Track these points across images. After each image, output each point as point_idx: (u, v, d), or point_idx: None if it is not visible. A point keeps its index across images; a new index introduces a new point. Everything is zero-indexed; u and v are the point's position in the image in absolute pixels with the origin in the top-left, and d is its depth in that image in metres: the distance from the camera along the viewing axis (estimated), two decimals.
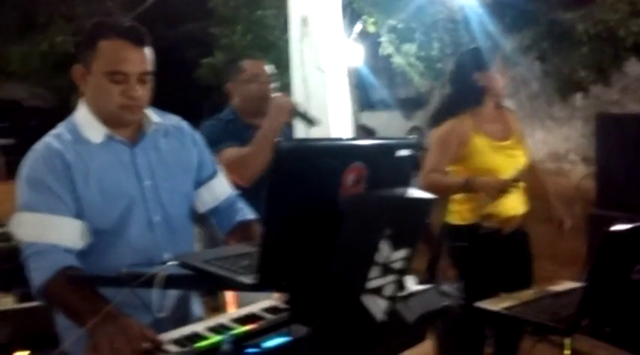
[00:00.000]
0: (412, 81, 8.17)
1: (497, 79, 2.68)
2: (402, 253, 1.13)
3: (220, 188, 1.86)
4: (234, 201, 1.89)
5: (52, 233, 1.51)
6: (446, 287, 2.63)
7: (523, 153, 2.75)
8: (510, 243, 2.69)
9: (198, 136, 1.85)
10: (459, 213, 2.73)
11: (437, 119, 2.77)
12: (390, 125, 10.25)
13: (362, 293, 1.11)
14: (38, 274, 1.48)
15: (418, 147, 1.27)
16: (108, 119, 1.61)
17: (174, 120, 1.80)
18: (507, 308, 1.76)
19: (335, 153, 1.12)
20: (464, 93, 2.74)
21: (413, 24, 7.51)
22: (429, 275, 3.36)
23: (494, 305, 1.81)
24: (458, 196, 2.73)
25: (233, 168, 2.38)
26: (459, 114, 2.69)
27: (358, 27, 7.46)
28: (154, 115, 1.71)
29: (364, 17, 7.43)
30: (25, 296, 2.65)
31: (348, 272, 1.09)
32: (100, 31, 1.57)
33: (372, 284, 1.11)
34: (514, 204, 2.66)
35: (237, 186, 2.05)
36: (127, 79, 1.55)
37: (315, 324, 1.12)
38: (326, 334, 1.12)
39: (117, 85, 1.55)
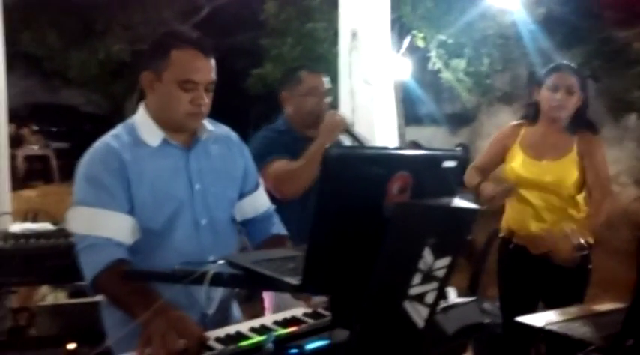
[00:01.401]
0: (459, 96, 8.12)
1: (547, 96, 2.64)
2: (444, 261, 1.14)
3: (260, 201, 1.93)
4: (272, 214, 1.96)
5: (105, 227, 1.57)
6: (486, 305, 2.62)
7: (560, 177, 2.60)
8: (535, 263, 2.64)
9: (245, 148, 1.91)
10: (503, 224, 2.80)
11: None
12: (435, 140, 10.19)
13: (404, 299, 1.13)
14: (91, 267, 1.55)
15: (464, 159, 1.28)
16: (171, 125, 1.68)
17: (224, 129, 1.88)
18: (550, 324, 1.74)
19: (382, 162, 1.15)
20: (525, 106, 2.83)
21: (462, 39, 7.47)
22: (470, 291, 3.34)
23: (537, 320, 1.79)
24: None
25: (279, 181, 2.40)
26: (521, 123, 2.78)
27: (407, 41, 7.47)
28: (208, 123, 1.78)
29: (414, 32, 7.44)
30: (77, 293, 2.76)
31: (391, 278, 1.11)
32: (172, 40, 1.63)
33: (414, 291, 1.13)
34: (543, 226, 2.61)
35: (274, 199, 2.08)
36: (197, 87, 1.63)
37: (356, 328, 1.14)
38: (367, 339, 1.14)
39: (187, 93, 1.62)
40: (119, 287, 1.51)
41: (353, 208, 1.10)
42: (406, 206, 1.13)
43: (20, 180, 9.47)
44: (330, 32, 7.23)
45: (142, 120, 1.71)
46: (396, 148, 1.61)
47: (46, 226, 2.53)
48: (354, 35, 3.76)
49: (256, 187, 1.91)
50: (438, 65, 7.66)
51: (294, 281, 1.13)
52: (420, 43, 7.45)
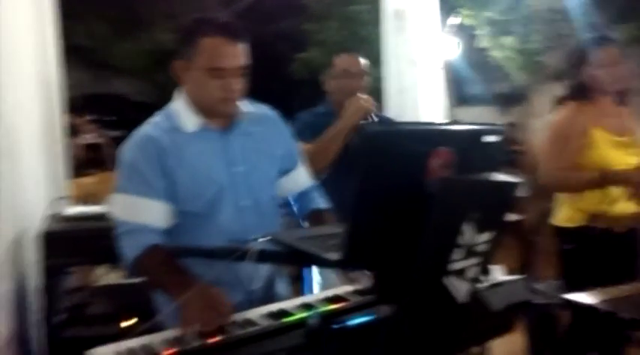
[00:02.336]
0: (509, 75, 7.93)
1: (601, 73, 2.54)
2: (485, 236, 1.14)
3: (301, 178, 1.95)
4: (312, 190, 1.98)
5: (142, 214, 1.64)
6: (539, 285, 2.57)
7: (637, 151, 2.60)
8: (621, 242, 2.56)
9: (286, 126, 1.93)
10: (567, 214, 2.64)
11: (559, 102, 2.67)
12: (485, 120, 10.01)
13: (446, 274, 1.13)
14: (130, 250, 1.62)
15: (505, 133, 1.26)
16: (206, 110, 1.71)
17: (264, 109, 1.89)
18: (601, 303, 1.70)
19: (420, 138, 1.14)
20: (573, 89, 2.66)
21: (511, 16, 7.28)
22: (522, 271, 3.28)
23: (587, 298, 1.75)
24: (564, 196, 2.63)
25: None
26: (580, 104, 2.59)
27: (454, 19, 7.32)
28: (246, 105, 1.80)
29: (460, 10, 7.29)
30: None
31: (435, 253, 1.11)
32: (199, 28, 1.65)
33: (456, 266, 1.13)
34: (624, 203, 2.54)
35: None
36: (227, 73, 1.64)
37: (402, 304, 1.15)
38: (411, 313, 1.15)
39: (216, 80, 1.64)
40: (155, 268, 1.59)
41: (394, 184, 1.10)
42: (450, 181, 1.13)
43: (79, 168, 9.78)
44: (374, 14, 7.15)
45: (179, 107, 1.74)
46: (434, 124, 1.59)
47: (100, 209, 2.62)
48: (398, 15, 3.71)
49: (297, 165, 1.93)
50: (486, 43, 7.49)
51: (335, 257, 1.15)
52: (467, 21, 7.29)
